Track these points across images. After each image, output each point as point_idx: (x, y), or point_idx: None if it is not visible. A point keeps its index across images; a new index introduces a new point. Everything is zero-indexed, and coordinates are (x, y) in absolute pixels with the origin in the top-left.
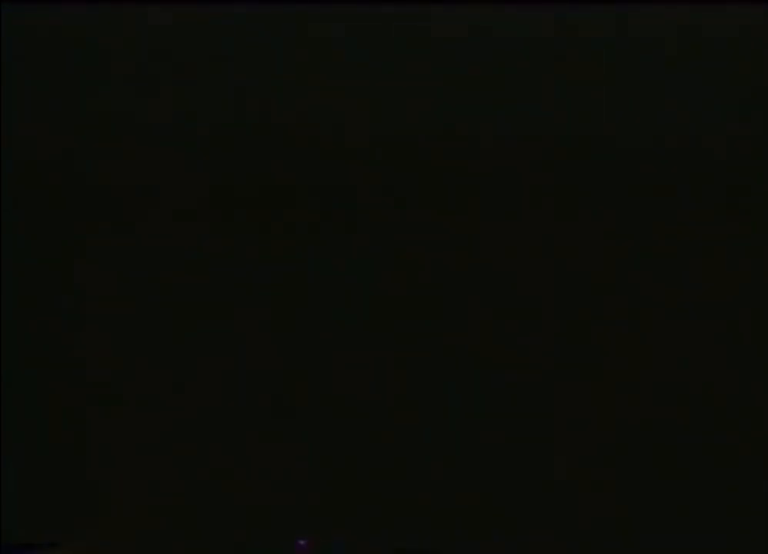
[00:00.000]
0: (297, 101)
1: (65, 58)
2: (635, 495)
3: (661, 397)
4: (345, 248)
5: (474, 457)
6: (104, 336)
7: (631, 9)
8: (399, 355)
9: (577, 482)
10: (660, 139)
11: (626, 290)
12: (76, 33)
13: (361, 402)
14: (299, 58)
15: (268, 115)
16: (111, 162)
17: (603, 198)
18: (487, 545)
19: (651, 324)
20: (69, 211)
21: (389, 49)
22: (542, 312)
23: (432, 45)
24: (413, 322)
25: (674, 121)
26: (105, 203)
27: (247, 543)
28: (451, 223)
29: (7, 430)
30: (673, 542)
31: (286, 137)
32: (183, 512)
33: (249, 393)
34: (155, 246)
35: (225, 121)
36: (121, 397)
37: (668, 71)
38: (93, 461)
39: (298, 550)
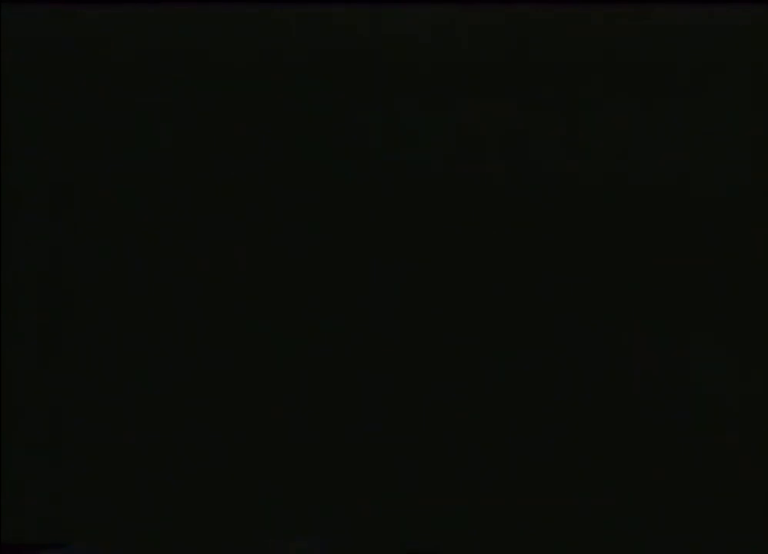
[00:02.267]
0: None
1: (65, 59)
2: (638, 499)
3: (661, 398)
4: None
5: (486, 460)
6: (103, 333)
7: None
8: (411, 350)
9: (585, 485)
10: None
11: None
12: (78, 34)
13: (374, 396)
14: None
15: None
16: (111, 159)
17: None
18: (495, 548)
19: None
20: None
21: None
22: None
23: None
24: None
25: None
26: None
27: (252, 545)
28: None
29: (7, 430)
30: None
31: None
32: (184, 511)
33: (251, 389)
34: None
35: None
36: (119, 398)
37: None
38: (93, 461)
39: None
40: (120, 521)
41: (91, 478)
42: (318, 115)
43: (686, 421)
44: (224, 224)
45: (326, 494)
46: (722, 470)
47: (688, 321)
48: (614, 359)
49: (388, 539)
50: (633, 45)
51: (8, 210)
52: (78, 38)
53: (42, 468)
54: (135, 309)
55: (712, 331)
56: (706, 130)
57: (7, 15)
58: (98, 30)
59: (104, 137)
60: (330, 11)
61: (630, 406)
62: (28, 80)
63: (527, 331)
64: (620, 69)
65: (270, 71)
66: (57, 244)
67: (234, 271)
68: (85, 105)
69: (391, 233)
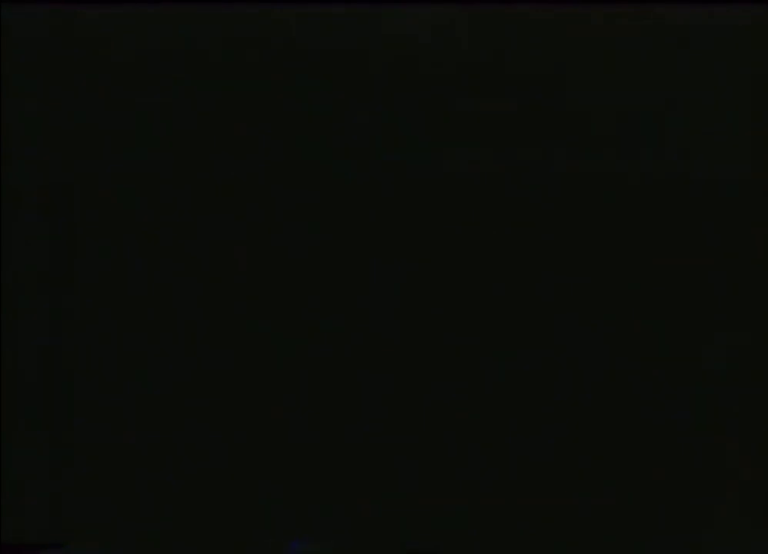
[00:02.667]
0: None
1: (65, 59)
2: (638, 501)
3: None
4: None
5: (486, 460)
6: (102, 336)
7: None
8: (411, 350)
9: (584, 485)
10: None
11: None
12: (78, 34)
13: (374, 395)
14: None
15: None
16: (112, 159)
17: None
18: (495, 548)
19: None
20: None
21: None
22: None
23: None
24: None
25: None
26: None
27: (252, 545)
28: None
29: (7, 430)
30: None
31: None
32: (184, 511)
33: (251, 389)
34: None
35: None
36: (119, 398)
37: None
38: (93, 461)
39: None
40: (120, 521)
41: (91, 479)
42: (318, 115)
43: (686, 421)
44: (224, 224)
45: (326, 494)
46: (723, 470)
47: (688, 321)
48: (614, 359)
49: (388, 539)
50: (633, 45)
51: (8, 210)
52: (78, 38)
53: (42, 468)
54: (135, 309)
55: (712, 331)
56: (705, 130)
57: (7, 15)
58: (98, 30)
59: (104, 137)
60: (330, 11)
61: (630, 406)
62: (28, 80)
63: (527, 331)
64: (620, 69)
65: (270, 71)
66: (57, 244)
67: (234, 271)
68: (85, 105)
69: (391, 233)
